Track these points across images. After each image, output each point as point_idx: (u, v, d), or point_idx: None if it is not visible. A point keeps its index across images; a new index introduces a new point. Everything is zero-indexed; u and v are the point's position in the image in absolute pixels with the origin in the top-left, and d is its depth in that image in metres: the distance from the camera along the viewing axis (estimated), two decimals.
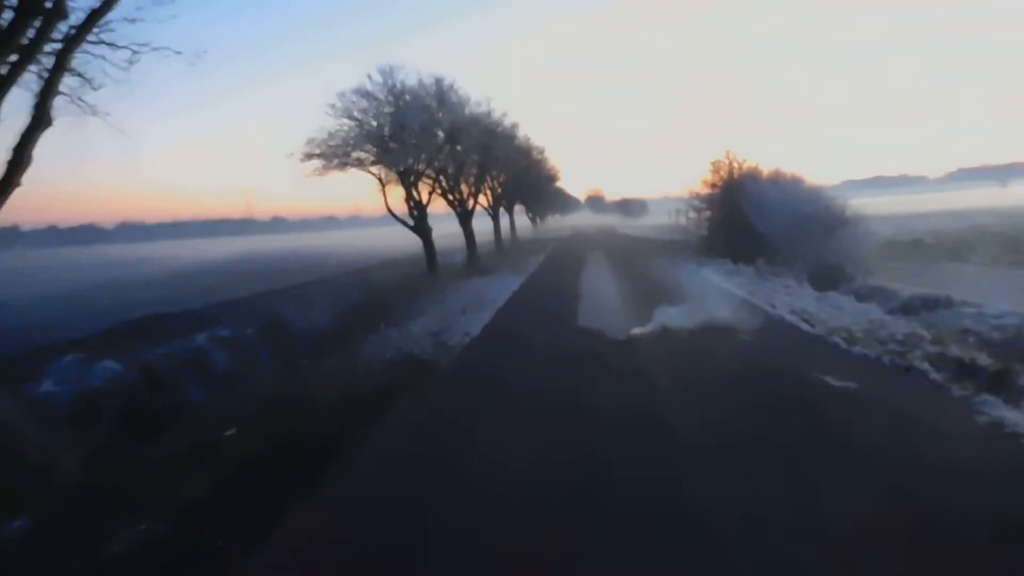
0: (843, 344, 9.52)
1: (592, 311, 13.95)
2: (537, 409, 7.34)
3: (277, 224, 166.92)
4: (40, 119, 6.21)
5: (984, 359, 7.53)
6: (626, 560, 4.08)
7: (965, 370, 7.41)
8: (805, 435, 6.01)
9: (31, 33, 6.13)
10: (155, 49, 8.24)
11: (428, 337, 12.10)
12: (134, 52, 8.06)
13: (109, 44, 7.72)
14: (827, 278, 15.90)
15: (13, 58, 5.89)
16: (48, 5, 5.88)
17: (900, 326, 10.31)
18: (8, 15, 5.70)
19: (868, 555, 3.94)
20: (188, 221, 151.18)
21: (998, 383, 6.80)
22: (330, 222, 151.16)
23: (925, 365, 7.83)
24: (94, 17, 6.52)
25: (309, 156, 23.20)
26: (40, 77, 6.40)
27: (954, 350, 8.17)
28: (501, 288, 19.70)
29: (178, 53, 8.59)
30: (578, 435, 6.33)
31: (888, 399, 6.95)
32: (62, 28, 6.30)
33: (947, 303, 11.85)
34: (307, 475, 5.68)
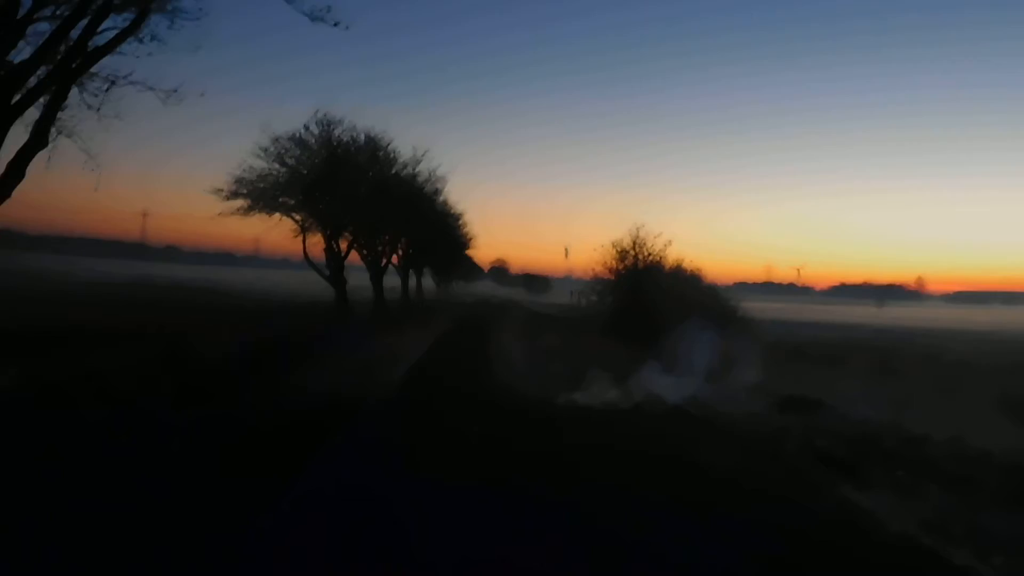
0: (726, 428, 10.78)
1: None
2: None
3: (171, 253, 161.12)
4: (39, 140, 6.65)
5: (841, 451, 8.83)
6: None
7: (823, 458, 8.65)
8: (681, 488, 7.17)
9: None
10: (132, 82, 8.77)
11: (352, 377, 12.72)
12: (112, 83, 8.57)
13: (91, 73, 8.22)
14: (714, 371, 17.14)
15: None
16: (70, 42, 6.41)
17: (775, 420, 11.59)
18: (27, 51, 6.21)
19: None
20: (76, 237, 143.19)
21: (849, 470, 8.07)
22: (227, 258, 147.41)
23: (793, 450, 9.05)
24: (97, 54, 7.07)
25: (235, 195, 23.54)
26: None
27: (817, 442, 9.44)
28: (417, 344, 20.38)
29: (151, 89, 9.11)
30: None
31: (757, 473, 8.23)
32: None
33: (818, 404, 13.19)
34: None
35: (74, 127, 8.31)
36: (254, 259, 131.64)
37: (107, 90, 8.26)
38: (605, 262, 27.94)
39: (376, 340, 20.60)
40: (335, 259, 26.30)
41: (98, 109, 8.33)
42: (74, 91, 8.51)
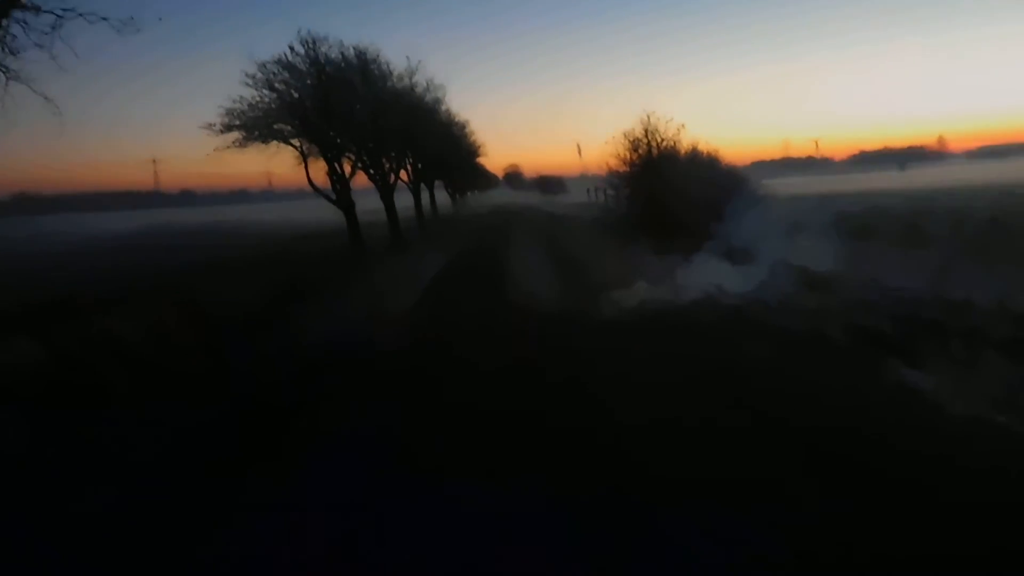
0: (761, 314, 10.22)
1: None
2: None
3: (186, 197, 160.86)
4: None
5: (886, 328, 8.34)
6: None
7: (871, 337, 8.13)
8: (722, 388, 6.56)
9: None
10: (80, 15, 8.07)
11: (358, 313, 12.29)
12: (58, 17, 7.88)
13: (34, 8, 7.55)
14: (742, 254, 16.58)
15: None
16: None
17: (811, 300, 11.08)
18: None
19: None
20: (91, 192, 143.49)
21: (898, 348, 7.55)
22: (241, 195, 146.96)
23: (838, 333, 8.56)
24: None
25: (229, 127, 22.72)
26: None
27: (859, 320, 8.93)
28: (431, 263, 19.95)
29: (104, 19, 8.41)
30: None
31: (805, 358, 7.67)
32: None
33: (850, 278, 12.68)
34: None
35: (23, 71, 7.68)
36: (268, 194, 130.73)
37: (55, 27, 7.61)
38: (618, 154, 27.05)
39: (388, 263, 20.18)
40: (340, 183, 25.60)
41: (50, 49, 7.70)
42: (22, 32, 7.90)
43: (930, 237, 19.54)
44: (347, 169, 26.26)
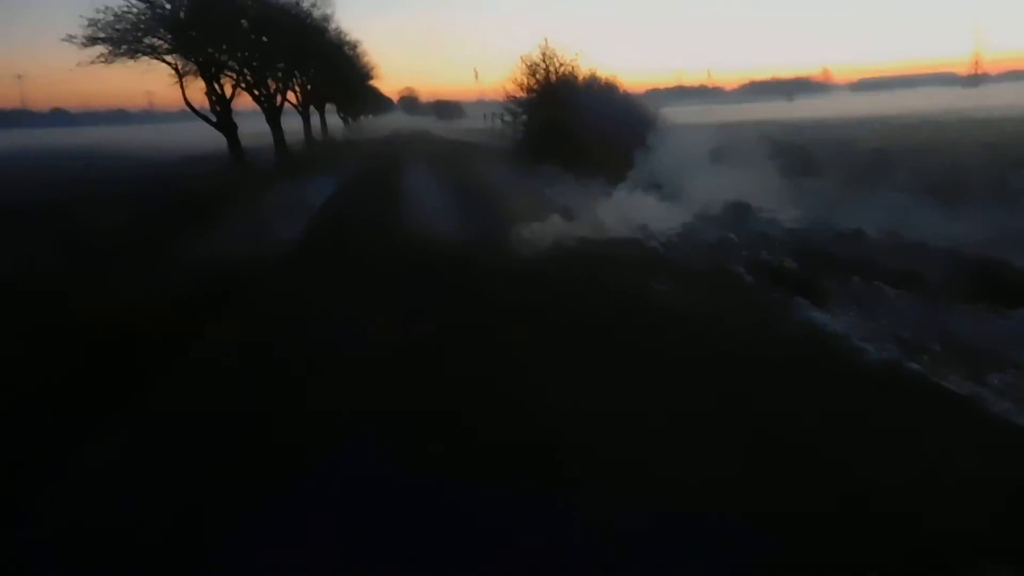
0: (662, 250, 10.02)
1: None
2: None
3: (57, 116, 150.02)
4: None
5: (787, 262, 8.31)
6: None
7: (775, 273, 8.10)
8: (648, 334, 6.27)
9: None
10: None
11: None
12: None
13: None
14: (657, 186, 16.35)
15: None
16: None
17: (711, 231, 10.93)
18: None
19: None
20: None
21: (801, 284, 7.49)
22: (120, 115, 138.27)
23: (741, 269, 8.40)
24: None
25: (92, 40, 20.69)
26: None
27: (764, 255, 8.83)
28: (322, 188, 18.99)
29: None
30: None
31: (708, 300, 7.41)
32: None
33: (746, 209, 12.61)
34: None
35: None
36: (149, 114, 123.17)
37: None
38: (516, 80, 26.53)
39: (270, 193, 18.94)
40: (220, 104, 23.92)
41: None
42: None
43: (818, 165, 19.93)
44: (228, 89, 24.64)
